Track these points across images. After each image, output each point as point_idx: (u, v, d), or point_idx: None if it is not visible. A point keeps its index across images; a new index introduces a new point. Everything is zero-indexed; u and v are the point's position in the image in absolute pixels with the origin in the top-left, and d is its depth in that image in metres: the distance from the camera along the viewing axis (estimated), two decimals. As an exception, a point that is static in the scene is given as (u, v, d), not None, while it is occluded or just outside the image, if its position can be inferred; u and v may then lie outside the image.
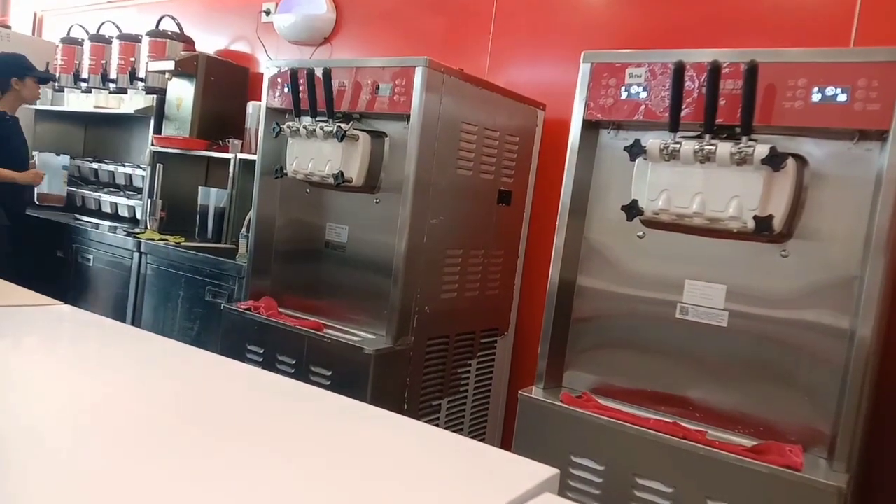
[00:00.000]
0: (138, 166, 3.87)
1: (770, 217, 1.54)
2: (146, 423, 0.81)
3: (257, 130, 3.17)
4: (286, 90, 2.35)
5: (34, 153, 3.57)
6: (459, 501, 0.68)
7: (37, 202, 3.37)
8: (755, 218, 1.55)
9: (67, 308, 1.39)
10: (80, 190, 4.08)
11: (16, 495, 0.60)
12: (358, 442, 0.83)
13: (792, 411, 1.61)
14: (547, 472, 0.74)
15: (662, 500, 1.59)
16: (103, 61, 4.07)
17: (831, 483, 1.41)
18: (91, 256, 3.51)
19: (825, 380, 1.57)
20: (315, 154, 2.25)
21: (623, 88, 1.75)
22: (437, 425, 2.19)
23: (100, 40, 4.13)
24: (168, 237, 3.40)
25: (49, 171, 3.50)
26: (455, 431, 2.27)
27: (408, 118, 2.09)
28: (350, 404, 0.95)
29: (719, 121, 1.60)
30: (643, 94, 1.73)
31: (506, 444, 2.28)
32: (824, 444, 1.56)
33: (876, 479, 1.98)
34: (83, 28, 4.47)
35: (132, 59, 3.86)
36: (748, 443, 1.60)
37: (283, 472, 0.71)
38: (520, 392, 1.82)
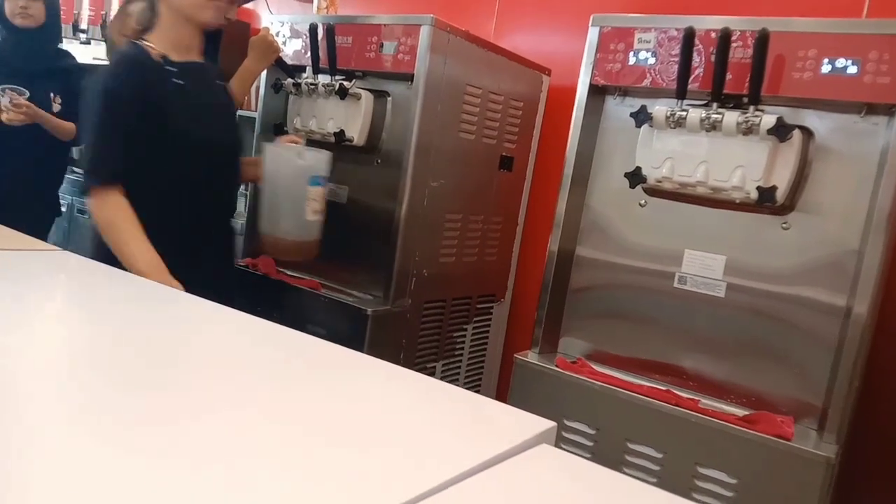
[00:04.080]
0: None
1: (773, 188, 1.54)
2: (140, 367, 0.81)
3: (257, 87, 3.13)
4: (288, 46, 2.32)
5: None
6: (456, 449, 0.68)
7: None
8: (758, 188, 1.54)
9: (65, 253, 1.38)
10: (76, 143, 4.02)
11: (5, 443, 0.60)
12: (352, 390, 0.84)
13: (785, 383, 1.62)
14: (544, 424, 0.75)
15: (653, 465, 1.61)
16: (103, 12, 4.00)
17: (820, 453, 1.43)
18: (86, 209, 3.48)
19: (819, 353, 1.57)
20: (317, 112, 2.22)
21: (631, 53, 1.73)
22: (431, 387, 2.19)
23: (99, -9, 4.06)
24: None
25: None
26: (448, 394, 2.27)
27: (411, 78, 2.06)
28: (344, 353, 0.95)
29: (727, 90, 1.59)
30: (651, 61, 1.70)
31: (498, 409, 2.29)
32: (815, 417, 1.58)
33: (864, 451, 2.01)
34: (82, -22, 4.39)
35: (132, 11, 3.79)
36: (740, 412, 1.62)
37: (274, 417, 0.71)
38: (515, 356, 1.83)
